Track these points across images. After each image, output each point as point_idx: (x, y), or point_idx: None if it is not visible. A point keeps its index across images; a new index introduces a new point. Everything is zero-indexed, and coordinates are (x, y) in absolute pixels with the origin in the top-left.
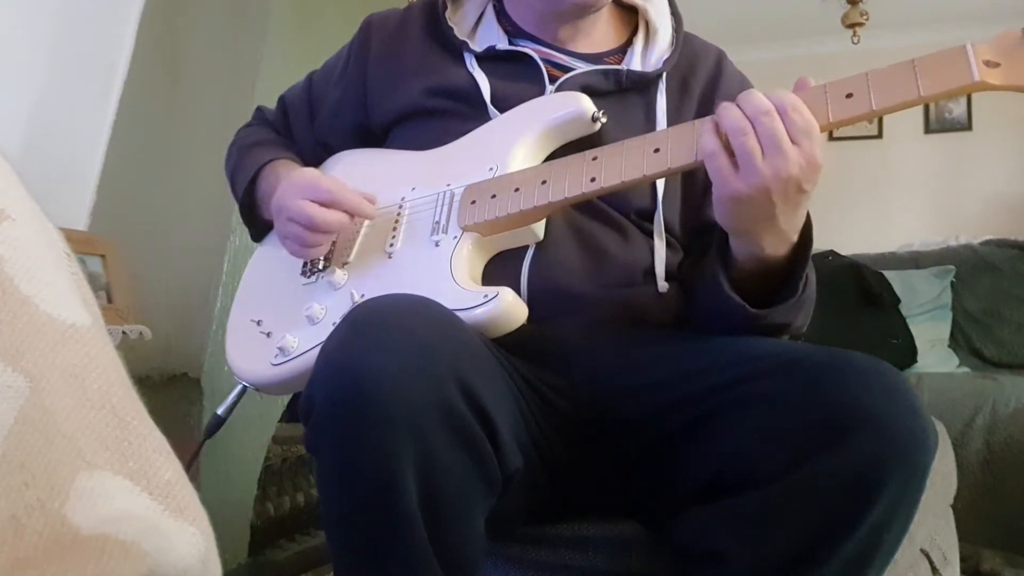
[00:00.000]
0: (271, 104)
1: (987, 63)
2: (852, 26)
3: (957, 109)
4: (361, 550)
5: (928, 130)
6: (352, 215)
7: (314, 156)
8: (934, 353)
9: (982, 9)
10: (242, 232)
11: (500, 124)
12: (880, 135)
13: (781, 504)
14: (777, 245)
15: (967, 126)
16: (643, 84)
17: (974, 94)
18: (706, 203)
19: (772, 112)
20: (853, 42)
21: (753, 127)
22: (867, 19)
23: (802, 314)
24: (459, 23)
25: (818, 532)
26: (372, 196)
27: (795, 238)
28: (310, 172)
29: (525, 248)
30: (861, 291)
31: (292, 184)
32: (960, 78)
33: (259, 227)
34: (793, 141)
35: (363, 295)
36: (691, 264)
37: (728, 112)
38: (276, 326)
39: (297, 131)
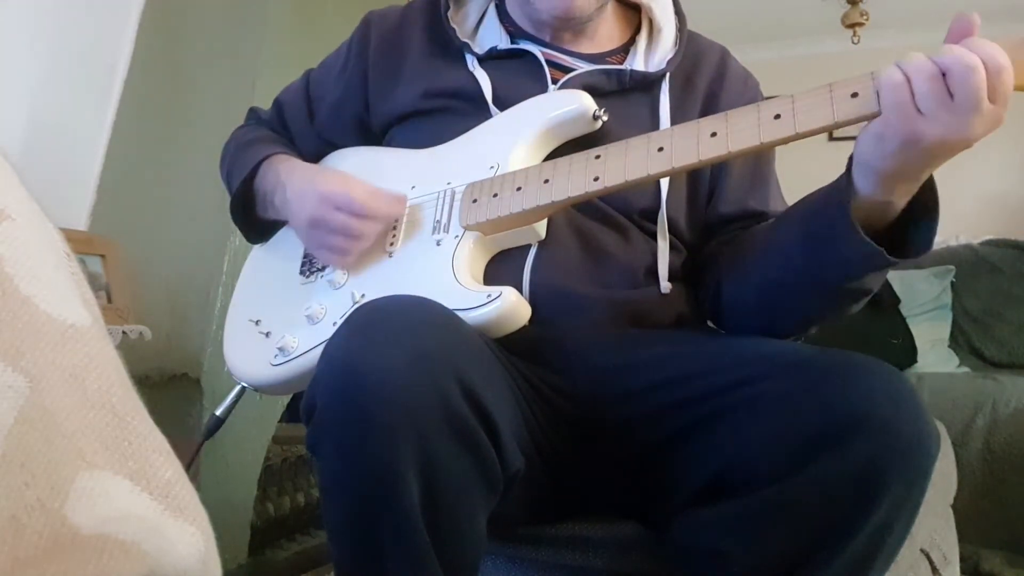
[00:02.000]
0: (269, 104)
1: None
2: (852, 26)
3: None
4: (362, 550)
5: None
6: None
7: (317, 154)
8: (934, 353)
9: (982, 9)
10: None
11: (500, 122)
12: None
13: (783, 506)
14: (904, 196)
15: None
16: (647, 84)
17: None
18: (716, 199)
19: (980, 68)
20: (853, 42)
21: (950, 76)
22: (867, 19)
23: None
24: (461, 23)
25: (820, 534)
26: (399, 197)
27: (916, 191)
28: (337, 179)
29: (527, 248)
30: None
31: (323, 195)
32: None
33: (253, 225)
34: (992, 101)
35: (363, 295)
36: (747, 228)
37: (919, 58)
38: (275, 326)
39: (297, 131)
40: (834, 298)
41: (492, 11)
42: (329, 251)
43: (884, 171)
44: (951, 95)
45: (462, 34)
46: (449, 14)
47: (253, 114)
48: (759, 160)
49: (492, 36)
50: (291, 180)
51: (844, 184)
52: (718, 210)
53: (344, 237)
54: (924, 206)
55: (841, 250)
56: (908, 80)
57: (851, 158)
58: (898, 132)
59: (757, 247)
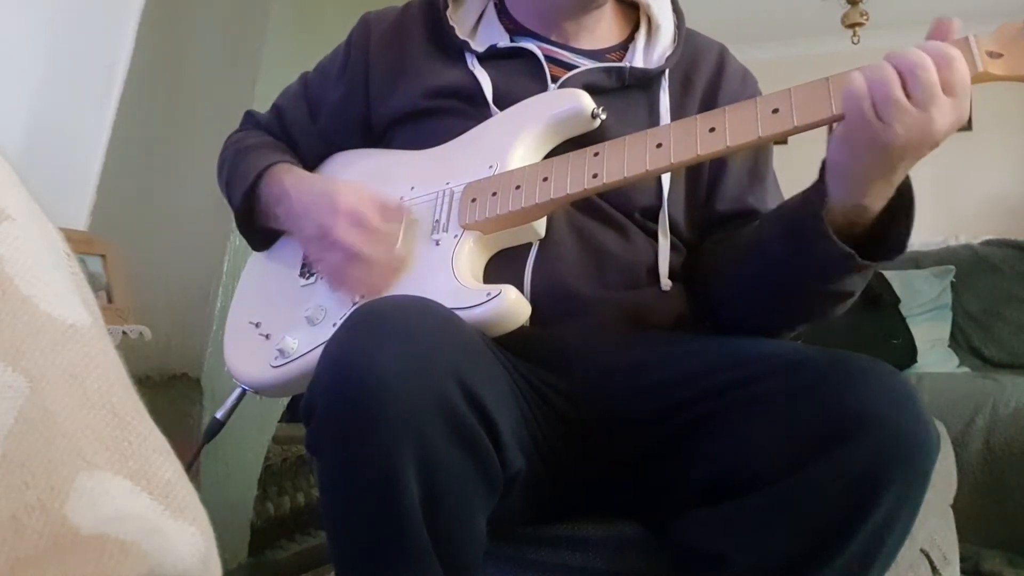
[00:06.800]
0: (268, 105)
1: (990, 54)
2: (852, 26)
3: None
4: (362, 551)
5: None
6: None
7: (319, 157)
8: (934, 353)
9: (982, 9)
10: None
11: (499, 122)
12: None
13: (784, 506)
14: (879, 198)
15: (967, 126)
16: (646, 81)
17: (974, 94)
18: (714, 198)
19: (928, 65)
20: (853, 42)
21: (903, 79)
22: (867, 19)
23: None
24: (460, 22)
25: (820, 534)
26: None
27: (892, 193)
28: (351, 196)
29: (528, 248)
30: (861, 291)
31: (337, 211)
32: None
33: (258, 234)
34: (948, 94)
35: (363, 296)
36: (729, 236)
37: (877, 67)
38: (275, 328)
39: (298, 135)
40: (816, 300)
41: (491, 9)
42: (337, 275)
43: (853, 174)
44: (908, 96)
45: (461, 32)
46: (448, 12)
47: (250, 118)
48: (757, 159)
49: (491, 34)
50: (297, 192)
51: (818, 188)
52: (715, 208)
53: (358, 262)
54: (901, 208)
55: (816, 254)
56: (868, 88)
57: (823, 162)
58: (861, 138)
59: (742, 248)
